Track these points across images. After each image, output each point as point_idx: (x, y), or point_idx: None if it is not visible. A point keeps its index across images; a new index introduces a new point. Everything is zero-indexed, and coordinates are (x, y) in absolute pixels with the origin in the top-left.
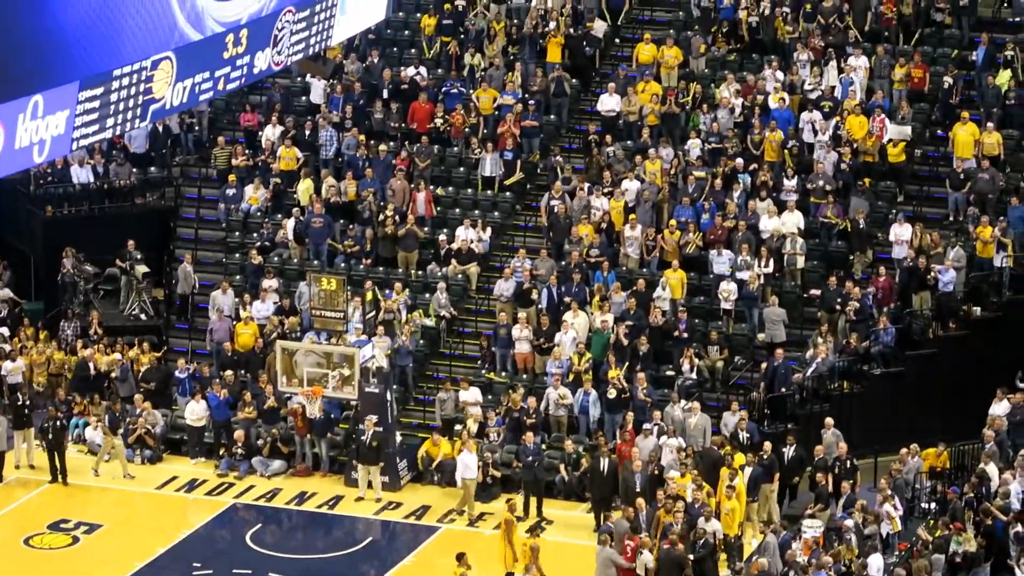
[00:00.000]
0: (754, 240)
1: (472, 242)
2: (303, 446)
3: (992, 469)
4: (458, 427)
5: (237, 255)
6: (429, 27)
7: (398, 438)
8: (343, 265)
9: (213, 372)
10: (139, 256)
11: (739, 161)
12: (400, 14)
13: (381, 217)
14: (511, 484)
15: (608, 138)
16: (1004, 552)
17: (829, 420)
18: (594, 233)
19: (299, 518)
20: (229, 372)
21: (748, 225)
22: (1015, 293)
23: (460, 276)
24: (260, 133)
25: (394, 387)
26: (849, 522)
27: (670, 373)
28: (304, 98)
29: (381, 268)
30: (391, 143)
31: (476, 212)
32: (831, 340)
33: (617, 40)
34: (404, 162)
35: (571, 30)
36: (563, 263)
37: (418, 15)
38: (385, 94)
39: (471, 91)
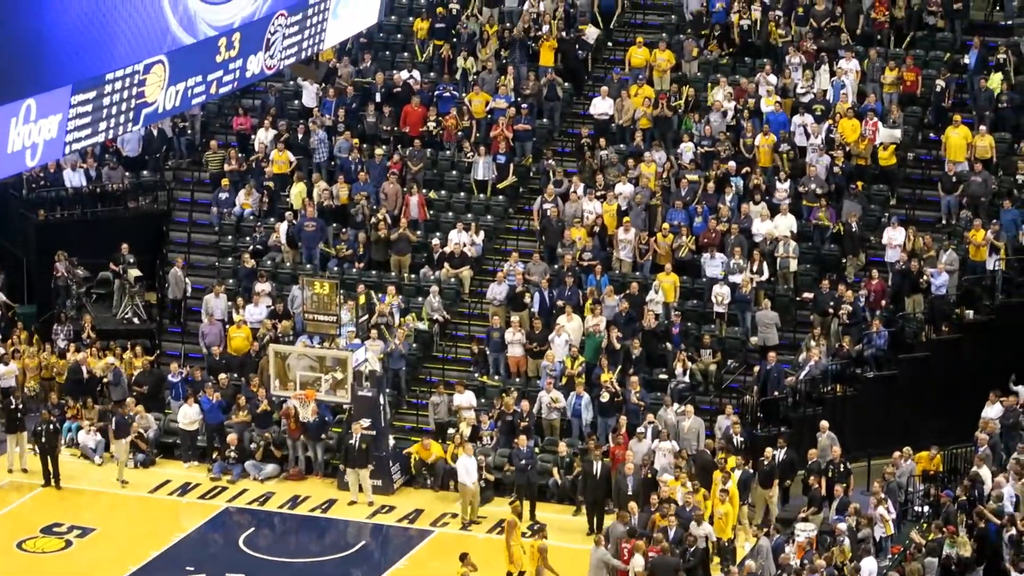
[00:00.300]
0: (747, 244)
1: (465, 246)
2: (296, 450)
3: (985, 472)
4: (451, 431)
5: (230, 259)
6: (422, 31)
7: (391, 442)
8: (336, 269)
9: (205, 376)
10: (132, 260)
11: (731, 164)
12: (392, 18)
13: (373, 220)
14: (504, 487)
15: (602, 141)
16: (997, 555)
17: (824, 423)
18: (587, 236)
19: (292, 522)
20: (224, 376)
21: (741, 228)
22: (1008, 296)
23: (453, 280)
24: (253, 137)
25: (387, 391)
26: (842, 525)
27: (663, 376)
28: (297, 102)
29: (374, 272)
30: (384, 147)
31: (469, 216)
32: (824, 343)
33: (609, 44)
34: (397, 166)
35: (563, 34)
36: (556, 266)
37: (410, 19)
38: (378, 98)
39: (464, 95)
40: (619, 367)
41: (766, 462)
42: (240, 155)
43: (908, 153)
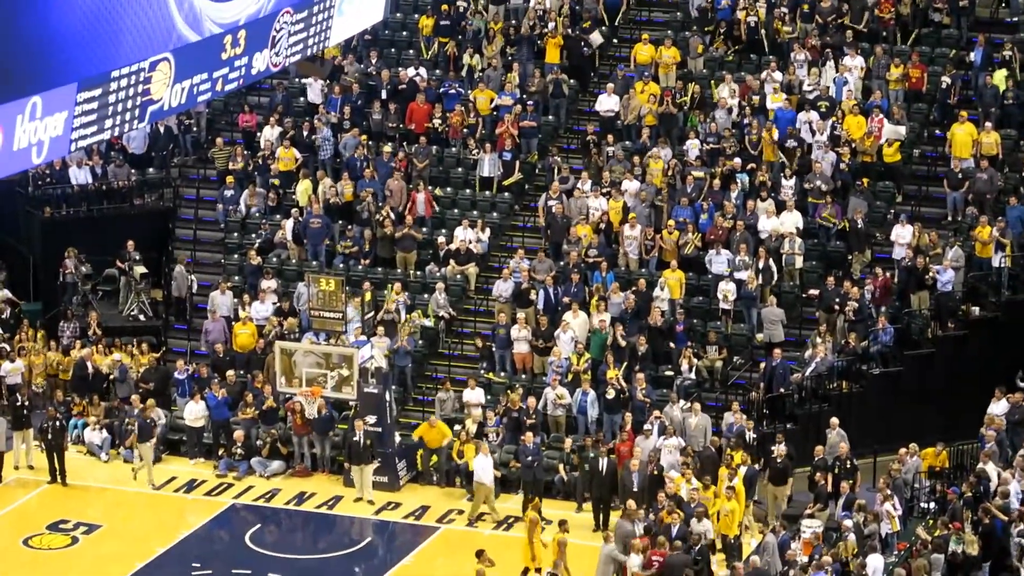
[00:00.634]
0: (752, 240)
1: (470, 242)
2: (301, 446)
3: (991, 468)
4: (457, 427)
5: (236, 256)
6: (427, 28)
7: (397, 438)
8: (341, 266)
9: (211, 373)
10: (138, 257)
11: (737, 161)
12: (398, 15)
13: (378, 217)
14: (510, 484)
15: (610, 138)
16: (1003, 552)
17: (834, 420)
18: (592, 233)
19: (298, 518)
20: (231, 372)
21: (747, 225)
22: (1013, 293)
23: (459, 276)
24: (258, 134)
25: (393, 387)
26: (849, 522)
27: (669, 373)
28: (303, 99)
29: (380, 269)
30: (391, 144)
31: (474, 212)
32: (830, 340)
33: (615, 40)
34: (402, 163)
35: (569, 31)
36: (562, 263)
37: (416, 16)
38: (383, 95)
39: (469, 92)
40: (625, 364)
41: (779, 459)
42: (246, 152)
43: (914, 150)
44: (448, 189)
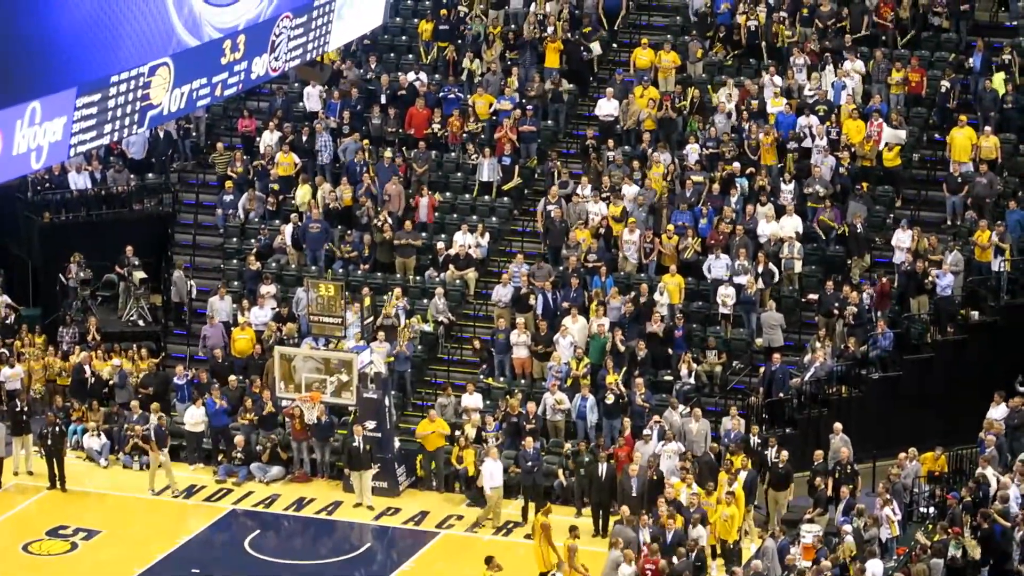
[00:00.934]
0: (752, 245)
1: (470, 247)
2: (301, 452)
3: (990, 473)
4: (456, 432)
5: (235, 261)
6: (426, 32)
7: (396, 443)
8: (341, 271)
9: (211, 378)
10: (137, 262)
11: (736, 166)
12: (397, 19)
13: (377, 222)
14: (509, 489)
15: (610, 143)
16: (1003, 556)
17: (838, 425)
18: (592, 238)
19: (298, 524)
20: (233, 378)
21: (746, 230)
22: (1013, 297)
23: (458, 281)
24: (258, 139)
25: (392, 392)
26: (848, 526)
27: (668, 378)
28: (302, 104)
29: (379, 274)
30: (390, 148)
31: (474, 217)
32: (829, 344)
33: (614, 45)
34: (402, 167)
35: (569, 35)
36: (561, 268)
37: (415, 20)
38: (383, 99)
39: (468, 96)
40: (624, 368)
41: (780, 465)
42: (245, 157)
43: (913, 154)
44: (447, 194)
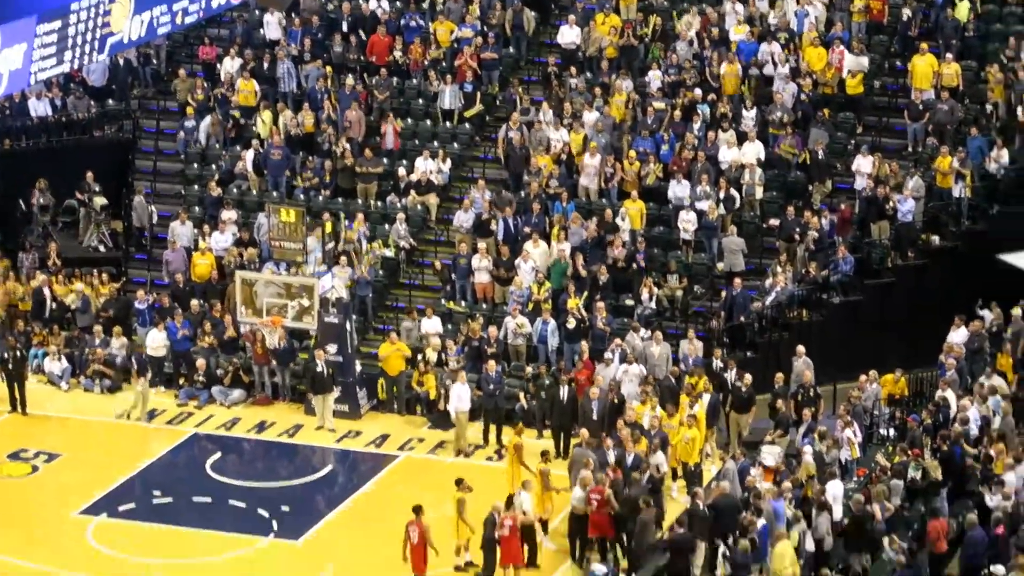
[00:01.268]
0: (713, 171)
1: (431, 173)
2: (262, 375)
3: (950, 396)
4: (419, 357)
5: (196, 187)
6: None
7: (358, 367)
8: (302, 197)
9: (172, 303)
10: (97, 188)
11: (698, 92)
12: None
13: (337, 149)
14: (471, 412)
15: (573, 70)
16: (962, 477)
17: (800, 348)
18: (553, 164)
19: (259, 447)
20: (195, 302)
21: (707, 156)
22: (973, 223)
23: (419, 207)
24: (218, 66)
25: (353, 317)
26: (809, 448)
27: (629, 302)
28: (262, 31)
29: (340, 199)
30: (351, 76)
31: (435, 144)
32: (790, 269)
33: None
34: (363, 95)
35: None
36: (522, 193)
37: None
38: (344, 27)
39: (430, 24)
40: (585, 293)
41: (743, 389)
42: (206, 84)
43: (875, 81)
44: (409, 120)
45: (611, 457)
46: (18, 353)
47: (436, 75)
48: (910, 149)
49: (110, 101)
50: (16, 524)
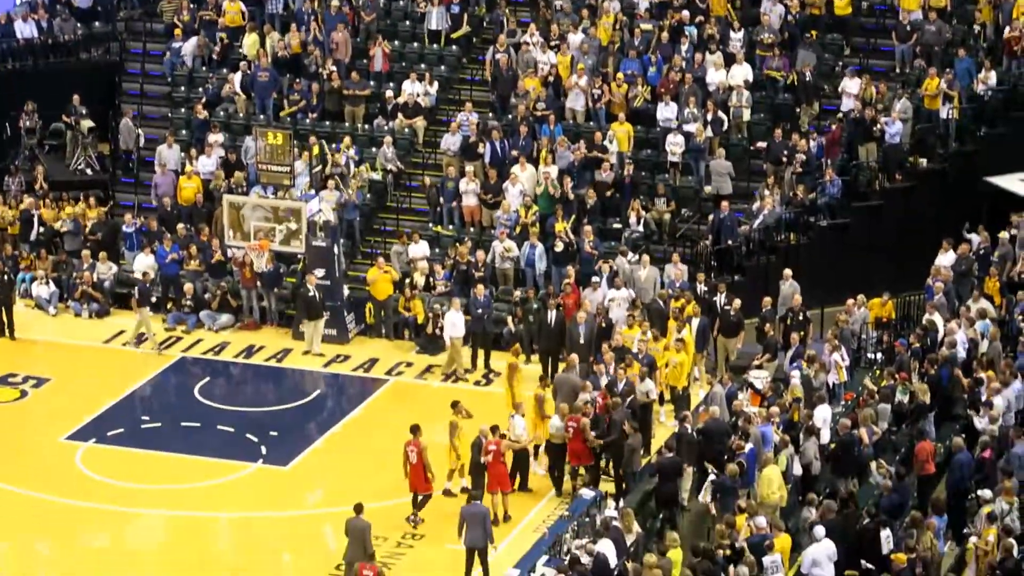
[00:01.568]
0: (701, 93)
1: (418, 96)
2: (250, 300)
3: (938, 319)
4: (406, 281)
5: (183, 109)
6: None
7: (346, 291)
8: (289, 119)
9: (160, 226)
10: (84, 111)
11: (685, 14)
12: None
13: (324, 71)
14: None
15: None
16: (948, 401)
17: (787, 271)
18: (540, 86)
19: (247, 371)
20: (181, 226)
21: (695, 78)
22: (961, 145)
23: (407, 130)
24: None
25: (341, 241)
26: (797, 373)
27: (617, 226)
28: None
29: (328, 122)
30: None
31: (422, 66)
32: (777, 192)
33: None
34: (350, 16)
35: None
36: (510, 116)
37: None
38: None
39: None
40: (573, 216)
41: (732, 313)
42: (192, 5)
43: (862, 2)
44: (396, 42)
45: (603, 382)
46: (5, 277)
47: None
48: (898, 71)
49: (96, 23)
50: (4, 449)
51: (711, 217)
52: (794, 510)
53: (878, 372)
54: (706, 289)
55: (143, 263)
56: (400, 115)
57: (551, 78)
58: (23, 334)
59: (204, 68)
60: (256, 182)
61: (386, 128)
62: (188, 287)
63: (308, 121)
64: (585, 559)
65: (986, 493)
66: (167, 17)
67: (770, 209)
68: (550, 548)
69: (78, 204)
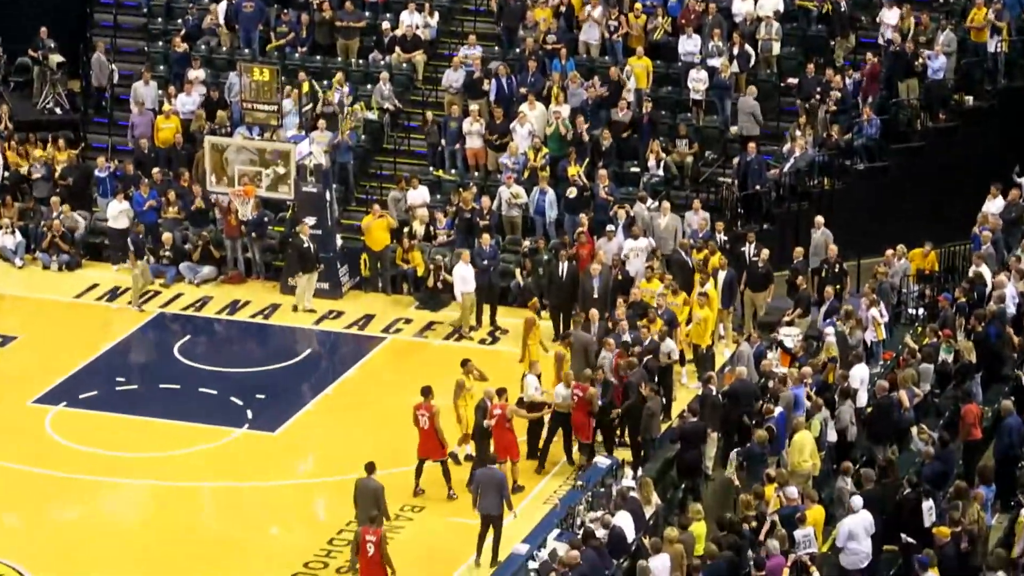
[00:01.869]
0: (726, 24)
1: (417, 28)
2: (234, 250)
3: (985, 271)
4: (406, 230)
5: (160, 43)
6: None
7: (339, 241)
8: (277, 54)
9: (136, 170)
10: (53, 45)
11: None
12: None
13: (315, 1)
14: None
15: None
16: (996, 360)
17: (819, 219)
18: (551, 17)
19: (232, 329)
20: (156, 171)
21: (720, 8)
22: (1010, 81)
23: (405, 65)
24: None
25: (334, 186)
26: (831, 330)
27: (635, 170)
28: None
29: (319, 57)
30: None
31: None
32: (810, 133)
33: None
34: None
35: None
36: (517, 50)
37: None
38: None
39: None
40: (587, 159)
41: (760, 264)
42: None
43: None
44: None
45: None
46: None
47: None
48: (941, 0)
49: None
50: None
51: (737, 160)
52: (828, 480)
53: (920, 329)
54: (726, 239)
55: (117, 209)
56: (398, 49)
57: (563, 8)
58: None
59: None
60: (241, 122)
61: (382, 63)
62: (167, 237)
63: (297, 56)
64: (600, 533)
65: None
66: None
67: (802, 151)
68: (562, 521)
69: (47, 147)
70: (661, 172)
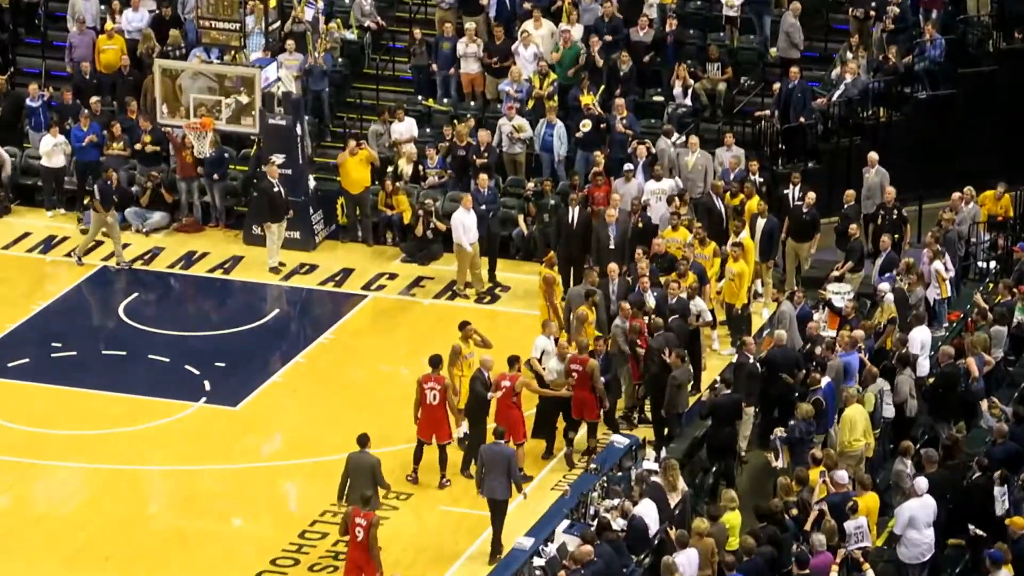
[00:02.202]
0: None
1: None
2: (190, 194)
3: None
4: (390, 169)
5: None
6: None
7: (311, 183)
8: None
9: (75, 100)
10: None
11: None
12: None
13: None
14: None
15: None
16: None
17: (873, 156)
18: None
19: (186, 285)
20: (95, 99)
21: None
22: None
23: None
24: None
25: (306, 118)
26: (887, 286)
27: (658, 99)
28: None
29: None
30: None
31: None
32: (863, 55)
33: None
34: None
35: None
36: None
37: None
38: None
39: None
40: (602, 87)
41: (805, 210)
42: None
43: None
44: None
45: (650, 301)
46: None
47: None
48: None
49: None
50: None
51: (778, 87)
52: (884, 462)
53: (991, 285)
54: (764, 180)
55: (50, 144)
56: None
57: None
58: None
59: None
60: (197, 43)
61: None
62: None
63: None
64: (617, 524)
65: None
66: None
67: (853, 77)
68: (573, 511)
69: None
70: (688, 102)
